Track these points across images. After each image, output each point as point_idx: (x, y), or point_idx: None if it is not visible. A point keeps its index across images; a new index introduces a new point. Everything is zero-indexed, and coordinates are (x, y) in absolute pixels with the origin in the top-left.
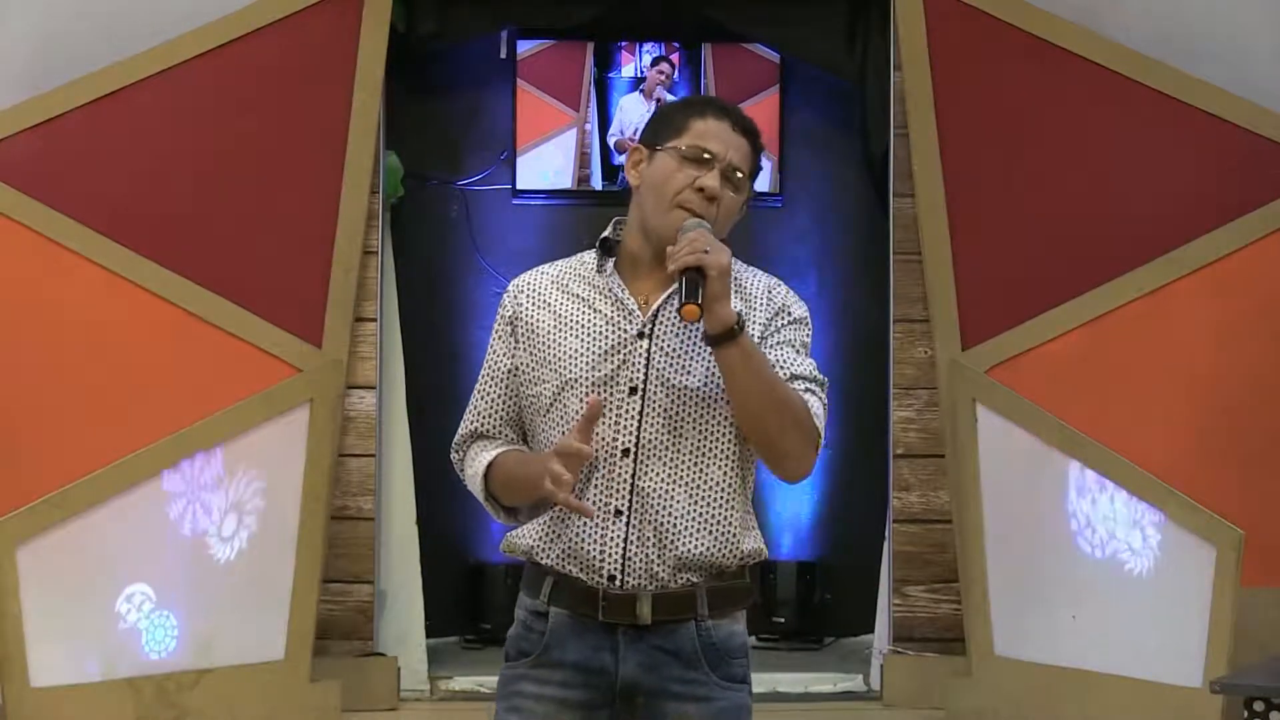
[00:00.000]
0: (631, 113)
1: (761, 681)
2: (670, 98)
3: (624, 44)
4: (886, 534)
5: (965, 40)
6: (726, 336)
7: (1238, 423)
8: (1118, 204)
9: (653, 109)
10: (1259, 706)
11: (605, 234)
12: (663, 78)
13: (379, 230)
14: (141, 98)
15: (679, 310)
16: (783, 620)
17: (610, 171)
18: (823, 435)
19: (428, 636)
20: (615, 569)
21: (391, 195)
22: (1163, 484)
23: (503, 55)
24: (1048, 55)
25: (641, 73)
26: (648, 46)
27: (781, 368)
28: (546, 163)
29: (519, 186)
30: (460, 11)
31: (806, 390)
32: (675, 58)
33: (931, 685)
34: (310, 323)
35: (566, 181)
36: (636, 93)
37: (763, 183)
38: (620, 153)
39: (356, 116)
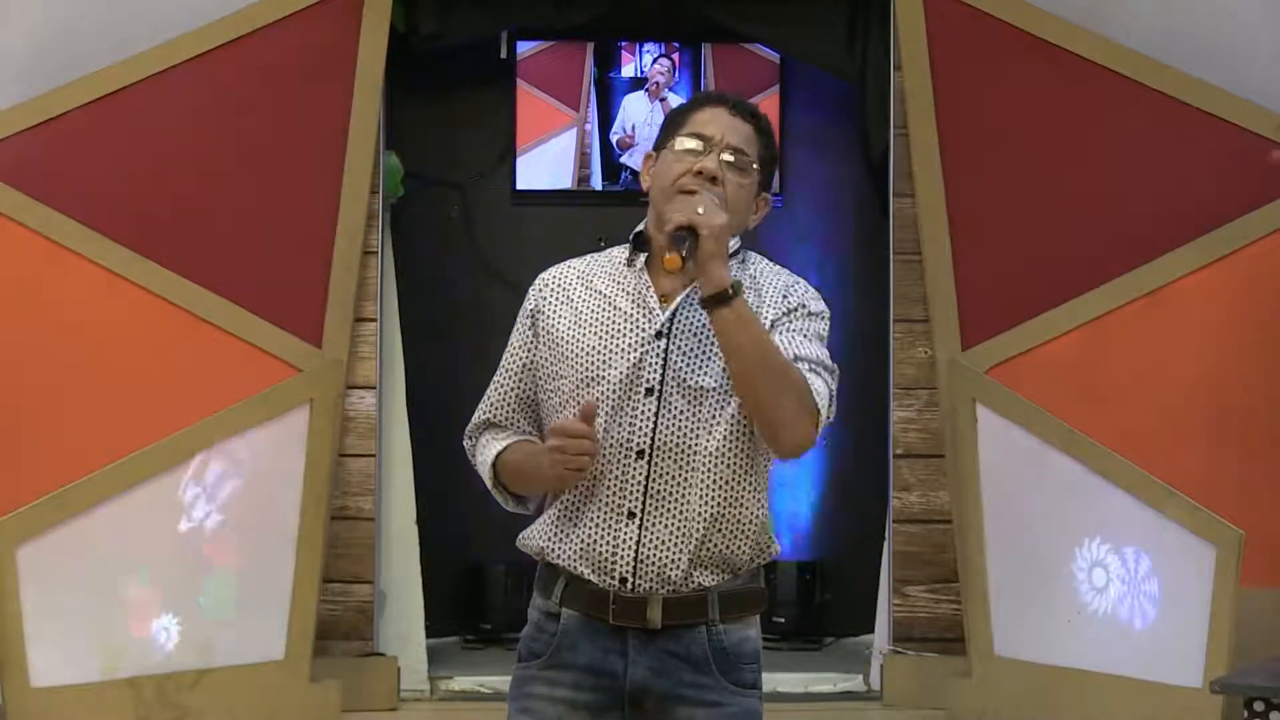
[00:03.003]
0: (635, 112)
1: (762, 682)
2: (674, 96)
3: (624, 44)
4: (886, 534)
5: (965, 40)
6: (720, 299)
7: (1237, 423)
8: (1118, 204)
9: (655, 107)
10: (1259, 706)
11: (639, 228)
12: (663, 73)
13: (379, 230)
14: (141, 98)
15: (662, 260)
16: (783, 620)
17: (610, 171)
18: (823, 413)
19: (428, 636)
20: (627, 571)
21: (391, 195)
22: (1162, 484)
23: (503, 55)
24: (1048, 55)
25: (641, 72)
26: (648, 46)
27: (784, 348)
28: (546, 163)
29: (519, 186)
30: (460, 12)
31: (810, 371)
32: (675, 58)
33: (931, 685)
34: (310, 323)
35: (566, 181)
36: (641, 91)
37: None
38: (623, 150)
39: (356, 116)
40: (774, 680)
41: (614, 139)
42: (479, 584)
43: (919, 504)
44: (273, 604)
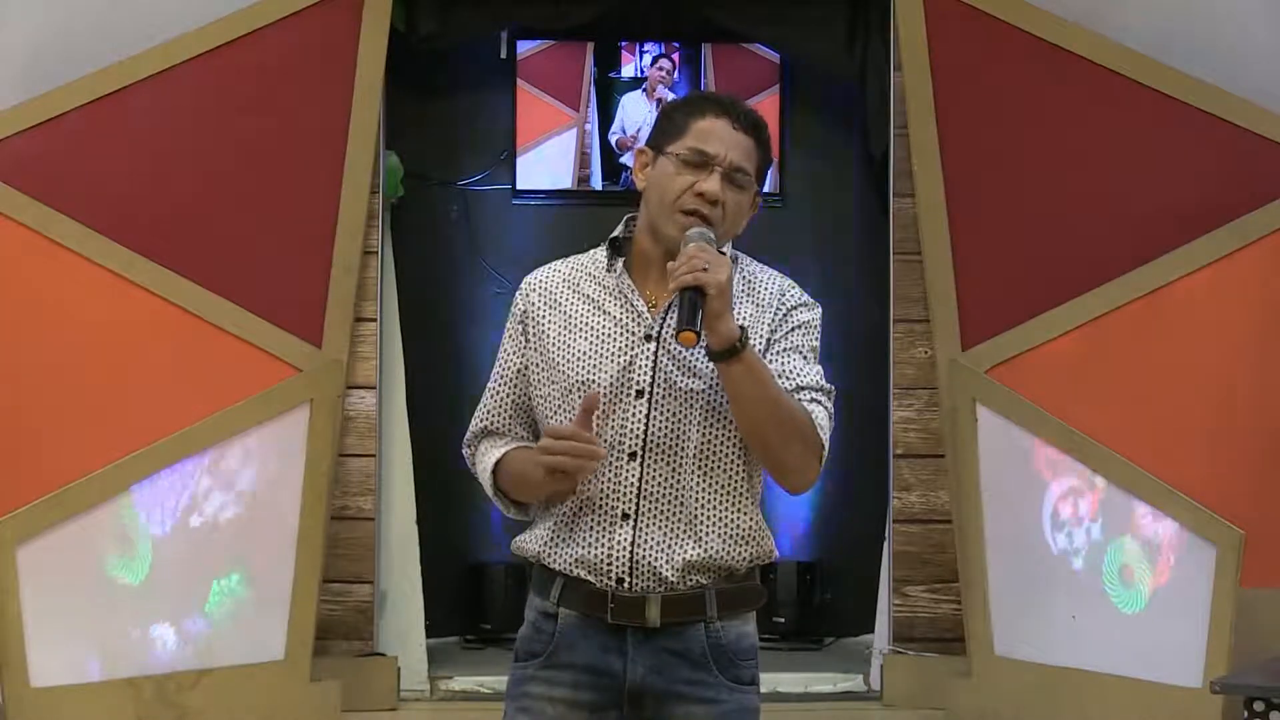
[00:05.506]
0: (634, 111)
1: (762, 681)
2: (672, 96)
3: (624, 44)
4: (886, 534)
5: (965, 40)
6: (729, 353)
7: (1237, 423)
8: (1118, 204)
9: (655, 108)
10: (1259, 706)
11: (615, 233)
12: (663, 74)
13: (379, 230)
14: (141, 98)
15: (675, 336)
16: (783, 620)
17: (610, 171)
18: (827, 445)
19: (428, 636)
20: (623, 572)
21: (391, 195)
22: (1163, 484)
23: (503, 55)
24: (1048, 55)
25: (642, 72)
26: (648, 46)
27: (787, 378)
28: (546, 163)
29: (519, 186)
30: (460, 11)
31: (812, 400)
32: (675, 57)
33: (931, 685)
34: (310, 323)
35: (566, 181)
36: (639, 91)
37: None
38: (622, 151)
39: (356, 116)
40: (774, 680)
41: (613, 139)
42: (479, 584)
43: (919, 504)
44: (273, 604)
